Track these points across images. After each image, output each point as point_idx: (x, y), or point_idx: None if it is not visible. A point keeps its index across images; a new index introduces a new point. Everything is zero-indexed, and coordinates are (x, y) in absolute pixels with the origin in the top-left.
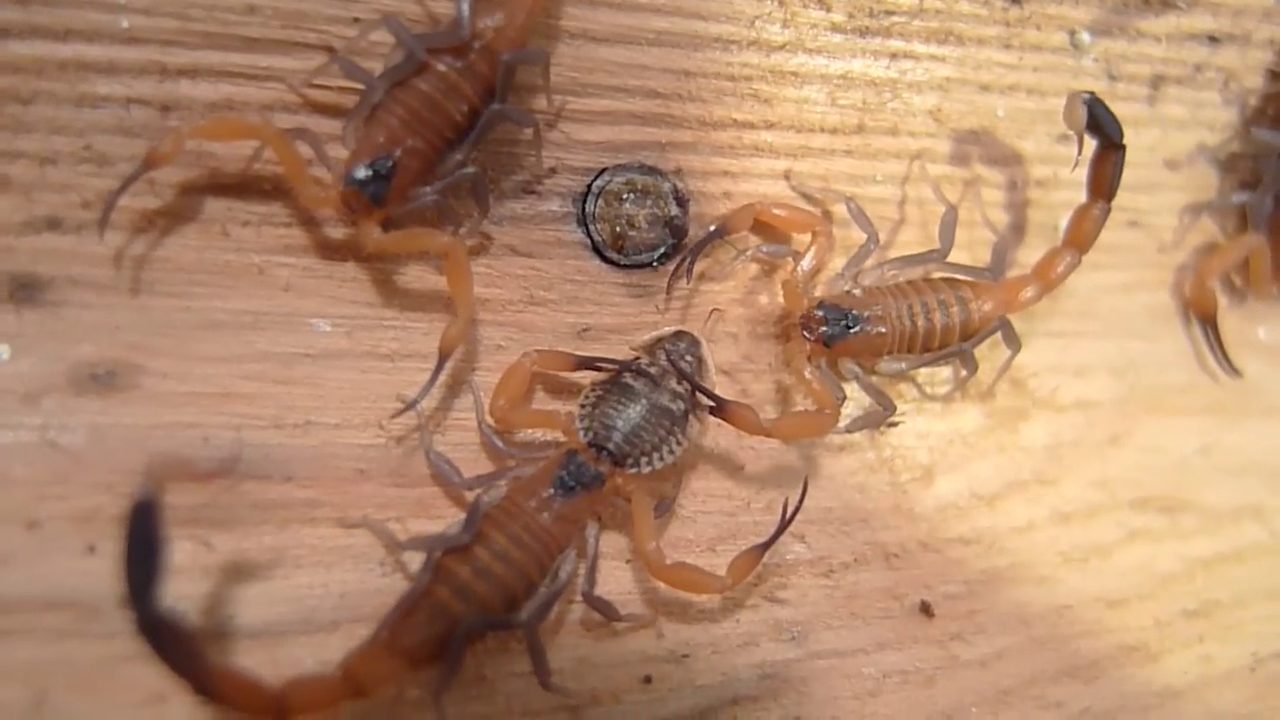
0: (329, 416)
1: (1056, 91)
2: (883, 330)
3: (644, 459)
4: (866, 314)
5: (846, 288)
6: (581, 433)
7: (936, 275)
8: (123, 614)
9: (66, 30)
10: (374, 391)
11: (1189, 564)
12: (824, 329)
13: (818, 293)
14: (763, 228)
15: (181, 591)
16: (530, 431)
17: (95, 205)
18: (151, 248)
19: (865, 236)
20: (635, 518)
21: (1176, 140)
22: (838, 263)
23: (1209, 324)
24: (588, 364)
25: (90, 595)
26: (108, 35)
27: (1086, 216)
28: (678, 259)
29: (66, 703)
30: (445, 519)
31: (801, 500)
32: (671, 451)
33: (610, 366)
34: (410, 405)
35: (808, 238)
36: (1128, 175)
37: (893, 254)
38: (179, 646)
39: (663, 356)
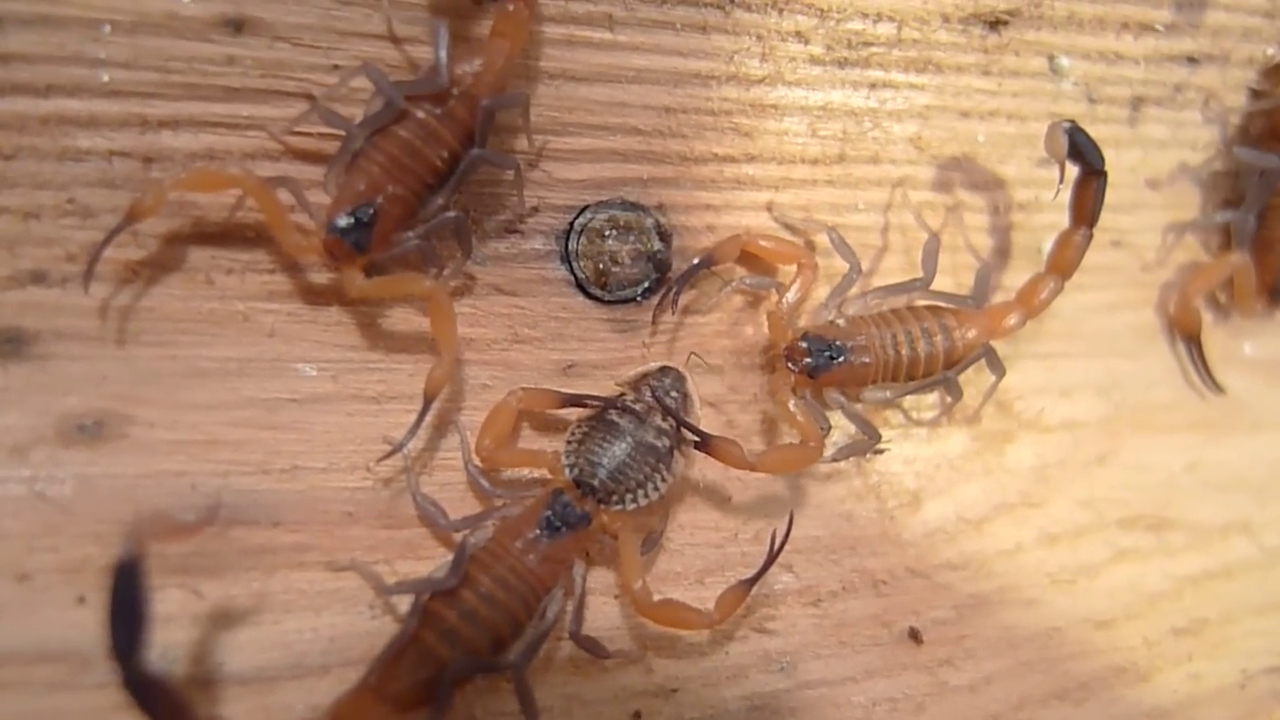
0: (316, 460)
1: (1037, 116)
2: (867, 360)
3: (629, 496)
4: (850, 344)
5: (830, 318)
6: (567, 470)
7: (920, 303)
8: (113, 665)
9: (48, 85)
10: (360, 434)
11: (1177, 582)
12: (808, 360)
13: (801, 323)
14: (748, 259)
15: (171, 640)
16: (517, 470)
17: (79, 258)
18: (136, 298)
19: (848, 266)
20: (621, 555)
21: (1158, 160)
22: (821, 293)
23: (1193, 342)
24: (573, 401)
25: (81, 646)
26: (89, 89)
27: (1069, 242)
28: (663, 291)
29: None
30: (434, 560)
31: (787, 535)
32: (656, 488)
33: (596, 403)
34: (397, 447)
35: (793, 269)
36: (1110, 196)
37: (877, 282)
38: (166, 703)
39: (648, 393)
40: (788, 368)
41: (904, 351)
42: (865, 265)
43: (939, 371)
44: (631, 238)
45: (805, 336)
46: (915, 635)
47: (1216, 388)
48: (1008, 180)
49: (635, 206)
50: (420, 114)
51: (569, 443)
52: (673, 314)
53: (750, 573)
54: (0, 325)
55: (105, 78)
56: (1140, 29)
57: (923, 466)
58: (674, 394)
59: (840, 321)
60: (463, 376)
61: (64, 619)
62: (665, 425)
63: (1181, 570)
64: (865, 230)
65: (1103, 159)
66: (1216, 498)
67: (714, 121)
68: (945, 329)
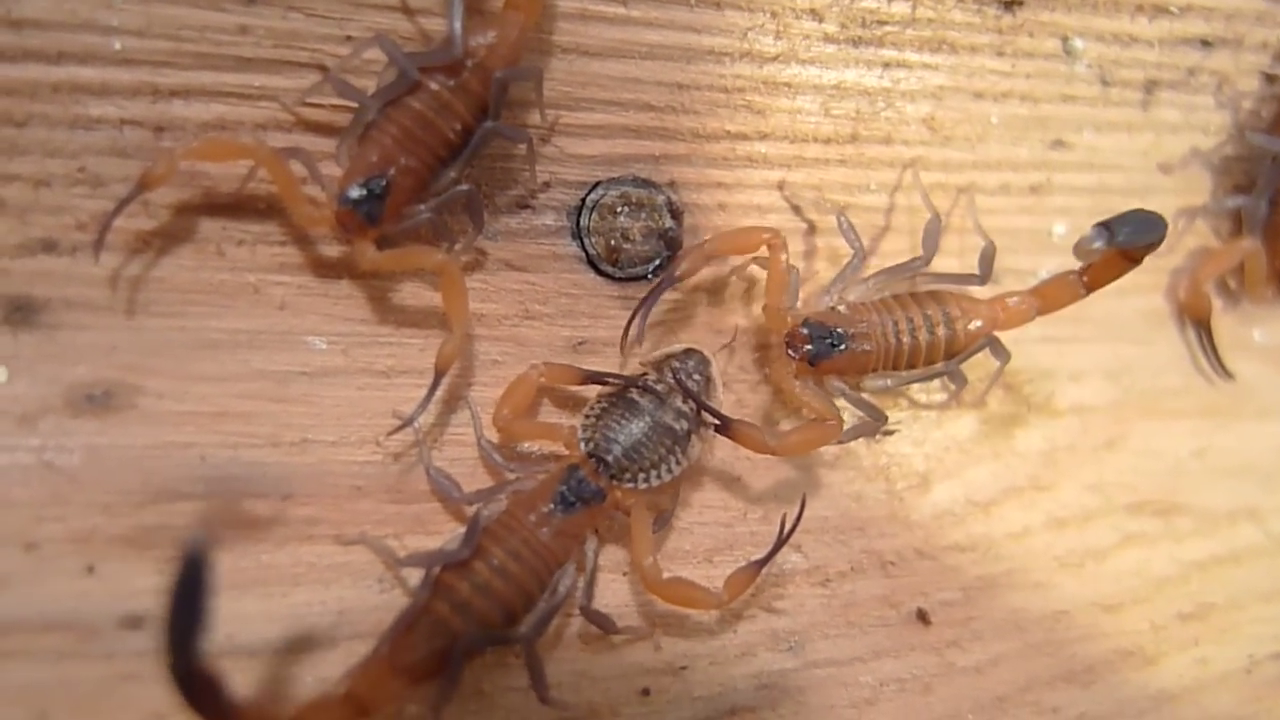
0: (326, 434)
1: (1050, 98)
2: (868, 348)
3: (641, 475)
4: (852, 331)
5: (831, 304)
6: (582, 444)
7: (924, 288)
8: (121, 634)
9: (60, 53)
10: (370, 408)
11: (1184, 567)
12: (809, 347)
13: (799, 305)
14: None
15: None
16: (529, 445)
17: (90, 227)
18: (147, 268)
19: (852, 251)
20: (633, 533)
21: (1170, 144)
22: (826, 276)
23: (1203, 328)
24: (595, 378)
25: (89, 616)
26: (101, 57)
27: (1115, 267)
28: (631, 312)
29: None
30: (442, 535)
31: (799, 518)
32: (670, 470)
33: (617, 382)
34: (407, 422)
35: (764, 251)
36: (1121, 180)
37: (889, 262)
38: (210, 694)
39: (670, 374)
40: (788, 355)
41: (905, 340)
42: (877, 246)
43: (940, 361)
44: (643, 215)
45: (806, 323)
46: (923, 616)
47: (1226, 374)
48: (1020, 162)
49: (647, 183)
50: (433, 86)
51: (587, 417)
52: (639, 343)
53: (759, 553)
54: (10, 293)
55: (117, 45)
56: (1154, 11)
57: (932, 449)
58: (696, 377)
59: (841, 308)
60: (473, 352)
61: (71, 588)
62: (685, 408)
63: (1189, 555)
64: (877, 211)
65: (1165, 227)
66: (1224, 484)
67: (727, 99)
68: (948, 318)
